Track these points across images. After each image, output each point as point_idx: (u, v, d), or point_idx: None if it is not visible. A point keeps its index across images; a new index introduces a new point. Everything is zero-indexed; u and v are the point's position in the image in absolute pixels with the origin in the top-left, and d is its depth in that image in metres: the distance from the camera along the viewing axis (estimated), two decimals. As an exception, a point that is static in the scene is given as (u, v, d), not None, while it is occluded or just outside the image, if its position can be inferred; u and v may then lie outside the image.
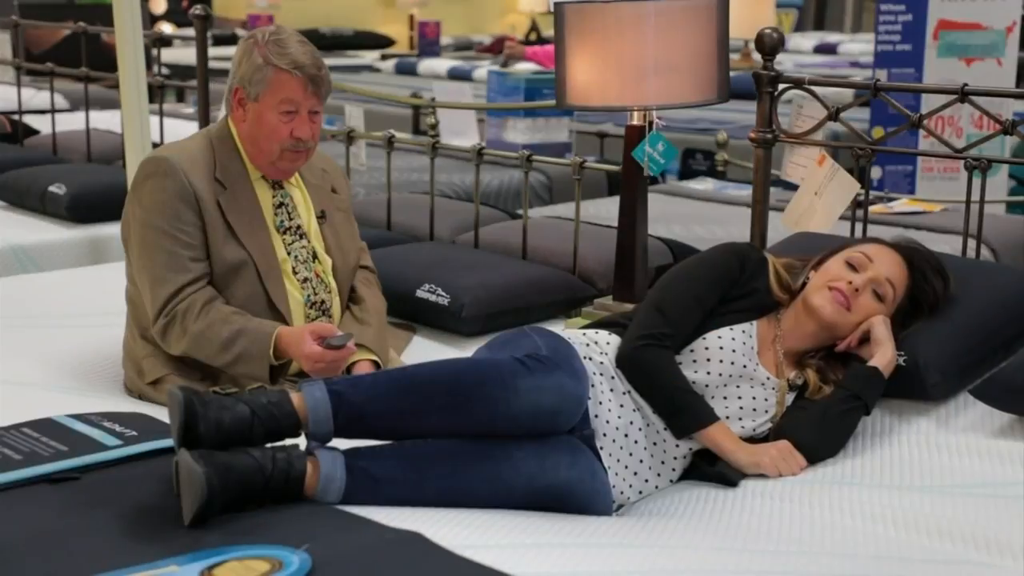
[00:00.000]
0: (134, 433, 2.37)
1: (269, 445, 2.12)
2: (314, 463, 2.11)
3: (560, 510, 2.22)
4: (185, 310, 2.73)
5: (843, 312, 2.59)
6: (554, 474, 2.22)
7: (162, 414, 2.56)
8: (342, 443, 2.19)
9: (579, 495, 2.24)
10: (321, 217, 2.96)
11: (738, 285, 2.64)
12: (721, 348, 2.54)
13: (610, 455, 2.40)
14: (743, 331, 2.59)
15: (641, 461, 2.44)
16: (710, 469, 2.47)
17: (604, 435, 2.40)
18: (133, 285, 2.87)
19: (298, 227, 2.91)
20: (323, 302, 2.90)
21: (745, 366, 2.55)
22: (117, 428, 2.38)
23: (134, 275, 2.85)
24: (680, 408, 2.46)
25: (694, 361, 2.55)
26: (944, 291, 2.73)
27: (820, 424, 2.51)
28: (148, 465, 2.25)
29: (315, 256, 2.92)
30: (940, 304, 2.73)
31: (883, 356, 2.58)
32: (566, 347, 2.39)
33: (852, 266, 2.63)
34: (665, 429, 2.47)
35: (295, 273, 2.86)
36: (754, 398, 2.55)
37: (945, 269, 2.75)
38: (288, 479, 2.07)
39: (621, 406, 2.46)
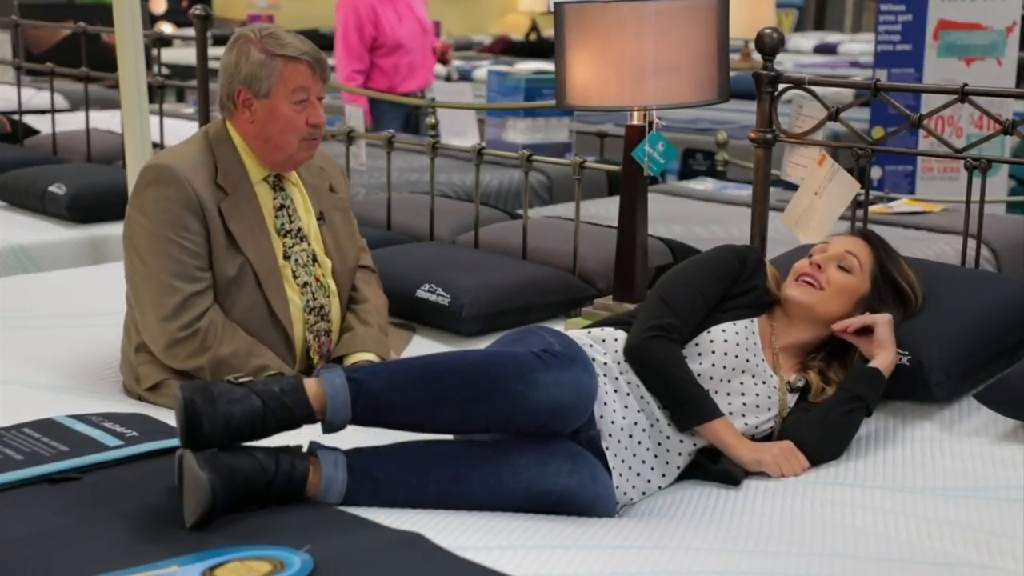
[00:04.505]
0: (135, 433, 2.37)
1: (273, 446, 2.12)
2: (315, 464, 2.11)
3: (562, 514, 2.22)
4: (207, 328, 2.71)
5: (813, 292, 2.64)
6: (555, 480, 2.21)
7: (162, 415, 2.57)
8: (344, 443, 2.19)
9: (580, 500, 2.24)
10: (320, 219, 2.95)
11: (739, 282, 2.67)
12: (725, 341, 2.56)
13: (615, 456, 2.40)
14: (745, 326, 2.61)
15: (644, 462, 2.44)
16: (714, 467, 2.47)
17: (610, 435, 2.40)
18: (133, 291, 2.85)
19: (299, 229, 2.89)
20: (322, 307, 2.89)
21: (748, 360, 2.57)
22: (118, 428, 2.38)
23: (135, 282, 2.80)
24: (684, 400, 2.47)
25: (699, 353, 2.57)
26: (905, 273, 2.74)
27: (822, 425, 2.52)
28: (149, 465, 2.26)
29: (315, 259, 2.91)
30: (914, 284, 2.74)
31: (884, 358, 2.59)
32: (576, 344, 2.39)
33: (812, 255, 2.72)
34: (669, 425, 2.48)
35: (295, 278, 2.85)
36: (757, 394, 2.56)
37: (897, 255, 2.76)
38: (291, 480, 2.07)
39: (626, 407, 2.46)
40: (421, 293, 3.32)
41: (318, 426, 2.17)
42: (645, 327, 2.53)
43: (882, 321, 2.62)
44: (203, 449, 2.03)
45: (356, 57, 6.61)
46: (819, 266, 2.66)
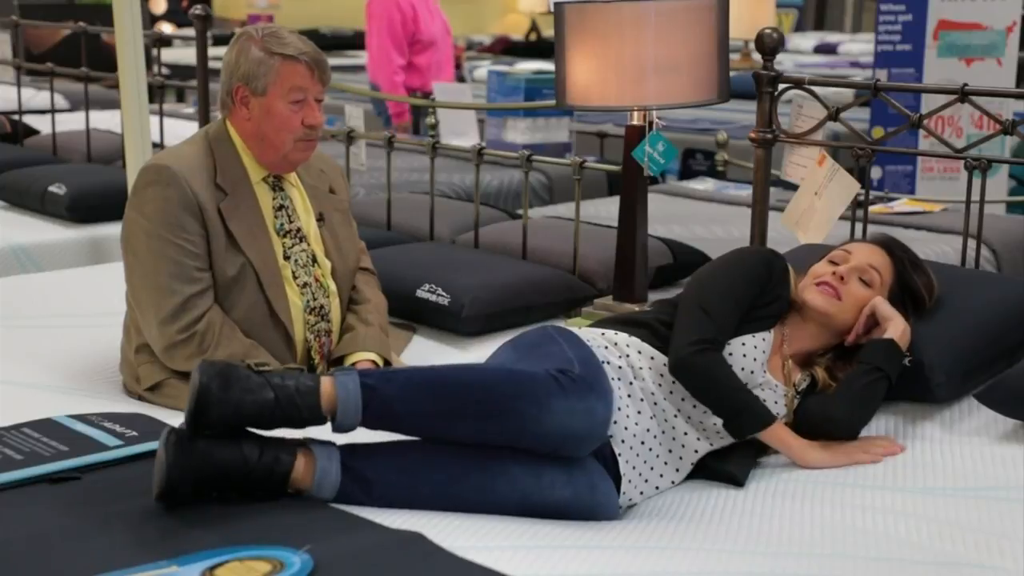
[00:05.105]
0: (134, 433, 2.37)
1: (265, 435, 2.13)
2: (309, 457, 2.12)
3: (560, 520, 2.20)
4: (204, 331, 2.70)
5: (834, 302, 2.61)
6: (550, 492, 2.20)
7: (162, 415, 2.57)
8: (339, 438, 2.19)
9: (577, 511, 2.22)
10: (320, 220, 2.95)
11: (766, 291, 2.62)
12: (744, 356, 2.54)
13: (627, 461, 2.38)
14: (763, 339, 2.58)
15: (652, 468, 2.43)
16: (721, 467, 2.46)
17: (622, 441, 2.38)
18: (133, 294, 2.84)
19: (298, 230, 2.89)
20: (322, 307, 2.89)
21: (754, 372, 2.55)
22: (117, 428, 2.39)
23: (134, 283, 2.80)
24: (740, 410, 2.44)
25: None
26: (928, 279, 2.75)
27: (846, 397, 2.54)
28: (148, 465, 2.24)
29: (314, 260, 2.91)
30: (933, 289, 2.75)
31: (895, 329, 2.60)
32: (594, 359, 2.36)
33: (834, 263, 2.69)
34: (685, 435, 2.47)
35: (295, 278, 2.85)
36: (764, 400, 2.54)
37: (920, 260, 2.77)
38: (272, 473, 2.09)
39: (639, 412, 2.44)
40: (421, 293, 3.32)
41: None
42: (690, 340, 2.47)
43: (878, 303, 2.62)
44: (206, 433, 2.07)
45: (399, 51, 6.57)
46: (842, 278, 2.63)
